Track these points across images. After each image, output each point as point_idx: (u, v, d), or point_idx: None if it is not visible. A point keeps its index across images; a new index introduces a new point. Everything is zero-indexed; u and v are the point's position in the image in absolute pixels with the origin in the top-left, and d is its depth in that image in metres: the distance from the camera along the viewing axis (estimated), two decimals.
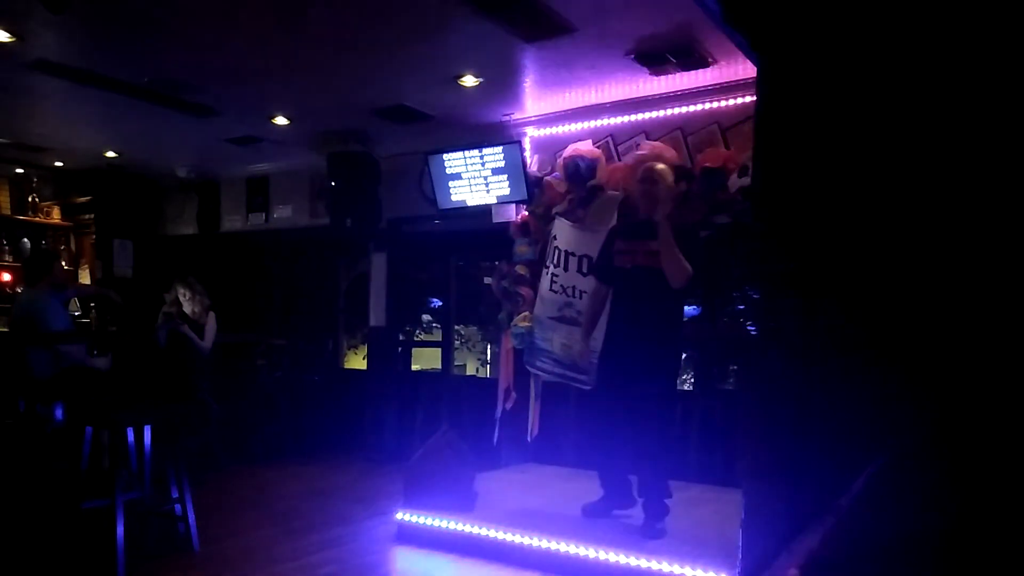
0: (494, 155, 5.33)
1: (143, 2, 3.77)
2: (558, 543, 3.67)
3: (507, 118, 5.52)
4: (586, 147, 5.08)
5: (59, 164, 7.44)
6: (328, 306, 7.39)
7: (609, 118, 5.18)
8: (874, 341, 2.01)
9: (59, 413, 4.93)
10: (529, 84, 4.90)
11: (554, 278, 5.04)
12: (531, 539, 3.76)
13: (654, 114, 5.01)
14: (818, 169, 2.15)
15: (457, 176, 5.52)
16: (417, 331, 7.15)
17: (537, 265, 5.27)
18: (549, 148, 5.43)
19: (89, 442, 4.21)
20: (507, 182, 5.32)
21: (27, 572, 3.67)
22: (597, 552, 3.54)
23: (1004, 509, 1.67)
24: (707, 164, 4.59)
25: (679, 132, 4.91)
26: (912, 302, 1.96)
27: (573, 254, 4.98)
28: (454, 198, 5.59)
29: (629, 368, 3.70)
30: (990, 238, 1.87)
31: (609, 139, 5.20)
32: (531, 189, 5.26)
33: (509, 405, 5.43)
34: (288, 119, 5.71)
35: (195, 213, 7.92)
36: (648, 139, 4.97)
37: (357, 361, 7.35)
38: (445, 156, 5.52)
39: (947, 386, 1.88)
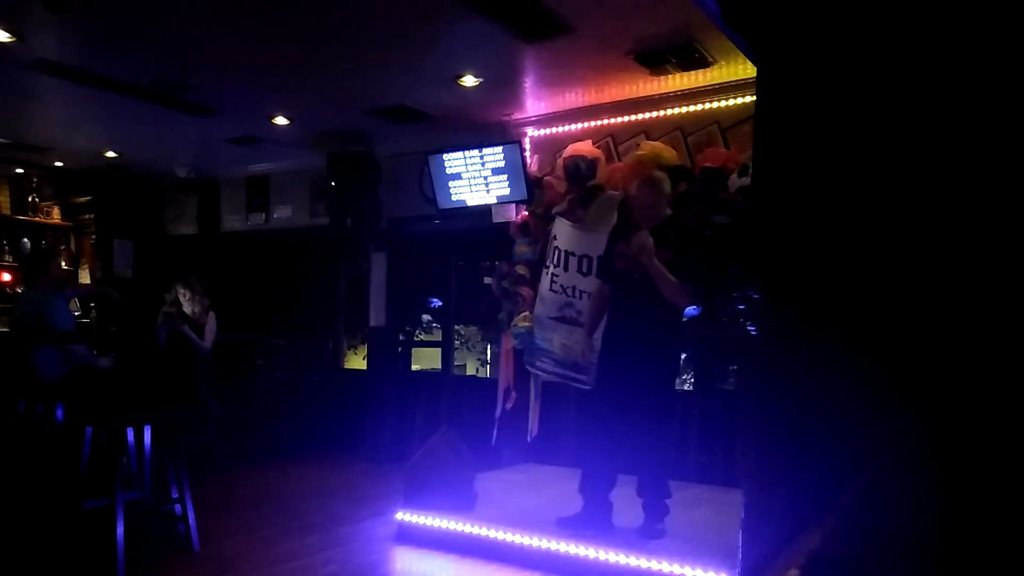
0: (494, 155, 5.33)
1: (143, 2, 3.77)
2: (558, 543, 3.67)
3: (507, 118, 5.52)
4: (586, 147, 5.08)
5: (59, 164, 7.44)
6: (328, 306, 7.39)
7: (609, 118, 5.18)
8: (873, 341, 2.01)
9: (59, 413, 4.93)
10: (529, 84, 4.90)
11: (554, 278, 5.04)
12: (531, 539, 3.76)
13: (654, 114, 5.01)
14: (818, 169, 2.15)
15: (457, 176, 5.52)
16: (417, 331, 7.15)
17: (537, 265, 5.27)
18: (549, 148, 5.43)
19: (89, 442, 4.21)
20: (507, 182, 5.32)
21: (27, 572, 3.67)
22: (597, 552, 3.54)
23: (1001, 509, 1.67)
24: (707, 164, 4.59)
25: (679, 132, 4.91)
26: (911, 303, 1.96)
27: (573, 254, 4.98)
28: (454, 198, 5.59)
29: (628, 370, 3.67)
30: (990, 238, 1.87)
31: (609, 139, 5.20)
32: (531, 189, 5.26)
33: (509, 405, 5.43)
34: (288, 119, 5.71)
35: (195, 213, 7.92)
36: (648, 139, 4.97)
37: (357, 361, 7.35)
38: (445, 156, 5.52)
39: (946, 386, 1.88)
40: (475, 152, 5.39)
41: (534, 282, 5.25)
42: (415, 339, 7.09)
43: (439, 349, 6.64)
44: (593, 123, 5.25)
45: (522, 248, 5.38)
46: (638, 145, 4.96)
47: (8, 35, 4.16)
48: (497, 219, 5.55)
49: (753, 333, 2.30)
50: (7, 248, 7.60)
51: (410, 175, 6.30)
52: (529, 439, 5.37)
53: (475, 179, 5.45)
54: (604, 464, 3.73)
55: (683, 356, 5.68)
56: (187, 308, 5.74)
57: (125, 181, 7.75)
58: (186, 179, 7.52)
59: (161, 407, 4.03)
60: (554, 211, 5.16)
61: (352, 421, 6.81)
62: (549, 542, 3.70)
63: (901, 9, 2.04)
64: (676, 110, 4.93)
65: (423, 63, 4.52)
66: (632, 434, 3.65)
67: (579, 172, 4.99)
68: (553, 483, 4.81)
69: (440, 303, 6.83)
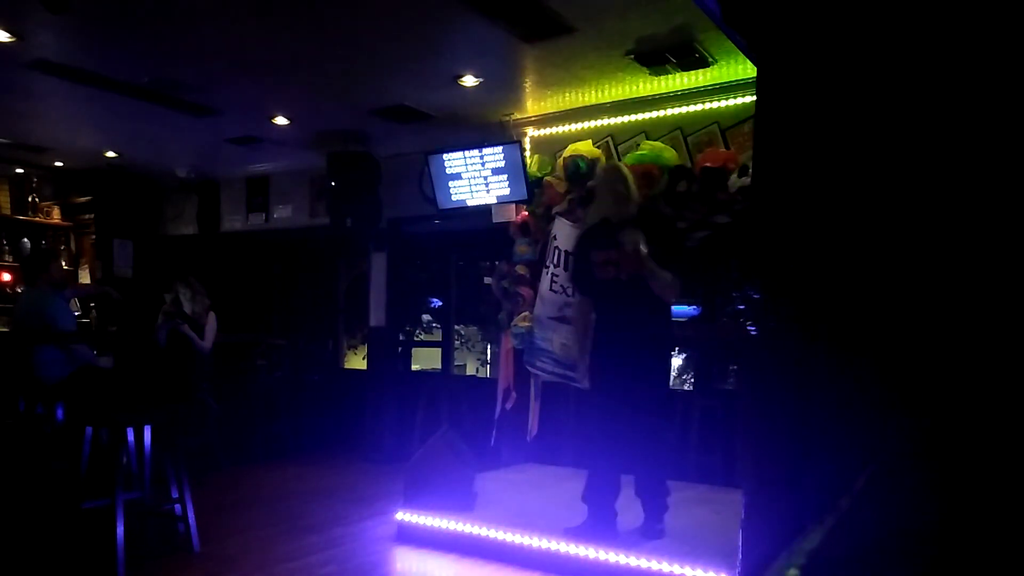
0: (494, 155, 5.33)
1: (143, 2, 3.77)
2: (558, 543, 3.67)
3: (507, 118, 5.52)
4: (586, 147, 5.09)
5: (59, 164, 7.44)
6: (328, 306, 7.39)
7: (609, 118, 5.18)
8: (874, 341, 2.01)
9: (59, 413, 4.93)
10: (529, 84, 4.90)
11: (554, 278, 5.04)
12: (531, 539, 3.76)
13: (654, 114, 5.01)
14: (818, 169, 2.15)
15: (457, 176, 5.52)
16: (417, 331, 7.15)
17: (537, 265, 5.27)
18: (549, 148, 5.43)
19: (89, 442, 4.21)
20: (507, 182, 5.32)
21: (27, 572, 3.67)
22: (597, 552, 3.54)
23: (1001, 509, 1.67)
24: (707, 164, 4.60)
25: (679, 132, 4.92)
26: (912, 302, 1.96)
27: (573, 254, 4.99)
28: (454, 198, 5.59)
29: (621, 374, 3.62)
30: (991, 237, 1.87)
31: (609, 139, 5.20)
32: (531, 189, 5.26)
33: (509, 405, 5.43)
34: (288, 119, 5.71)
35: (195, 213, 7.92)
36: (648, 139, 4.98)
37: (357, 361, 7.35)
38: (445, 156, 5.52)
39: (946, 385, 1.88)
40: (475, 152, 5.39)
41: (534, 282, 5.25)
42: (415, 339, 7.10)
43: (439, 349, 6.64)
44: (593, 123, 5.25)
45: (522, 248, 5.39)
46: (638, 145, 4.96)
47: (8, 35, 4.16)
48: (497, 219, 5.55)
49: (753, 333, 2.30)
50: (7, 248, 7.60)
51: (410, 175, 6.31)
52: (529, 439, 5.37)
53: (475, 179, 5.45)
54: (607, 470, 3.68)
55: (684, 356, 5.70)
56: (187, 308, 5.74)
57: (125, 181, 7.75)
58: (186, 179, 7.51)
59: (161, 407, 4.03)
60: (554, 211, 5.17)
61: (352, 421, 6.81)
62: (549, 542, 3.70)
63: (901, 9, 2.04)
64: (676, 110, 4.93)
65: (423, 63, 4.52)
66: (629, 434, 3.62)
67: (579, 172, 5.00)
68: (553, 483, 4.81)
69: (440, 303, 6.84)
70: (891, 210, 2.01)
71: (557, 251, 5.05)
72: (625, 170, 3.71)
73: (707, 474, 4.79)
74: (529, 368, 5.25)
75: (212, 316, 5.87)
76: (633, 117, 5.08)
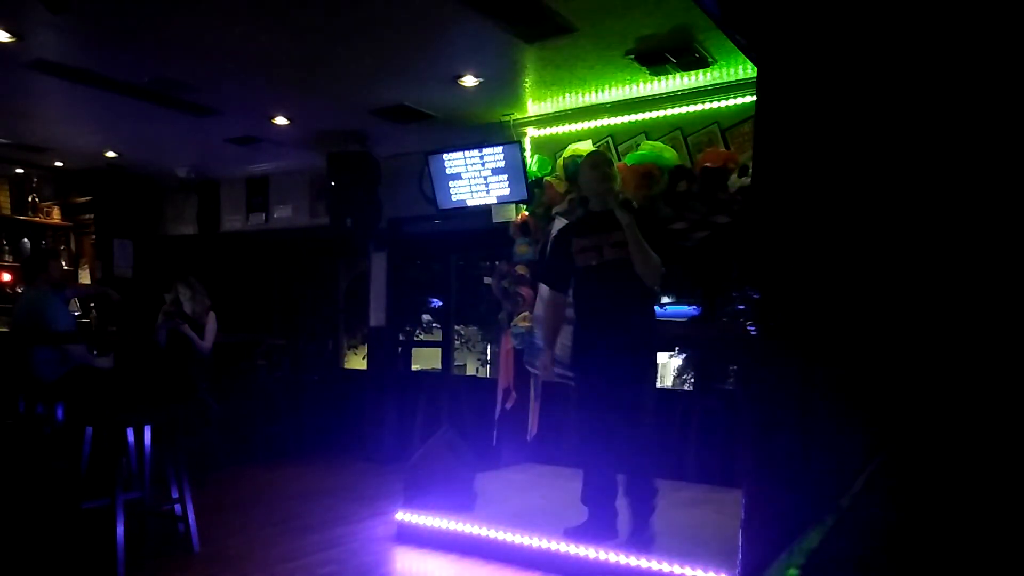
0: (494, 155, 5.33)
1: (143, 2, 3.77)
2: (558, 543, 3.67)
3: (507, 118, 5.52)
4: (586, 147, 5.09)
5: (59, 164, 7.44)
6: (328, 306, 7.39)
7: (609, 118, 5.18)
8: (874, 341, 2.01)
9: (59, 413, 4.93)
10: (529, 84, 4.90)
11: None
12: (531, 539, 3.76)
13: (654, 114, 5.01)
14: (818, 169, 2.15)
15: (457, 176, 5.52)
16: (417, 331, 7.15)
17: (537, 265, 5.28)
18: (549, 148, 5.43)
19: (89, 442, 4.21)
20: (507, 182, 5.32)
21: (27, 572, 3.67)
22: (597, 552, 3.54)
23: (1002, 509, 1.67)
24: (707, 164, 4.60)
25: (679, 132, 4.92)
26: (912, 302, 1.96)
27: (549, 247, 4.97)
28: (454, 198, 5.59)
29: (601, 365, 3.51)
30: (991, 235, 1.87)
31: (609, 139, 5.20)
32: (531, 189, 5.26)
33: (509, 405, 5.43)
34: (288, 119, 5.71)
35: (195, 213, 7.92)
36: (648, 139, 4.98)
37: (357, 361, 7.35)
38: (445, 156, 5.53)
39: (946, 385, 1.88)
40: (475, 152, 5.39)
41: (534, 282, 5.26)
42: (415, 339, 7.09)
43: (439, 349, 6.64)
44: (593, 123, 5.25)
45: (522, 248, 5.39)
46: (638, 145, 4.96)
47: (8, 35, 4.16)
48: (497, 219, 5.55)
49: (753, 333, 2.30)
50: (7, 248, 7.61)
51: (410, 175, 6.31)
52: (529, 439, 5.37)
53: (475, 179, 5.45)
54: (600, 469, 3.62)
55: (683, 356, 5.70)
56: (187, 308, 5.74)
57: (125, 181, 7.75)
58: (186, 179, 7.51)
59: (161, 407, 4.03)
60: (554, 211, 5.17)
61: (352, 421, 6.81)
62: (549, 542, 3.70)
63: (901, 9, 2.04)
64: (676, 110, 4.93)
65: (423, 63, 4.52)
66: (612, 433, 3.52)
67: (579, 171, 4.99)
68: (553, 483, 4.81)
69: (440, 303, 6.83)
70: (890, 209, 2.01)
71: (556, 232, 5.04)
72: (607, 154, 3.70)
73: (707, 474, 4.78)
74: (529, 368, 5.25)
75: (212, 316, 5.87)
76: (633, 117, 5.08)
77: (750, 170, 3.47)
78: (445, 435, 4.36)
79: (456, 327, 6.75)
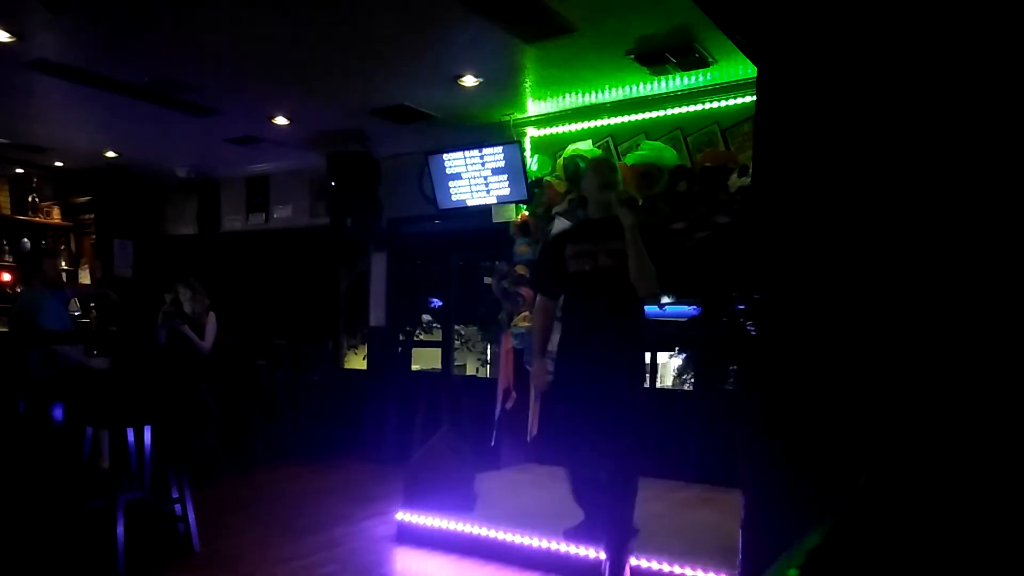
0: (494, 155, 5.33)
1: (143, 2, 3.77)
2: (558, 543, 3.67)
3: (507, 118, 5.52)
4: (586, 147, 5.09)
5: (59, 164, 7.44)
6: (328, 306, 7.38)
7: (609, 118, 5.18)
8: (874, 341, 2.01)
9: (59, 413, 4.94)
10: (529, 84, 4.90)
11: None
12: (531, 539, 3.76)
13: (654, 114, 5.01)
14: (819, 169, 2.15)
15: (457, 176, 5.52)
16: (417, 331, 7.14)
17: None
18: (549, 148, 5.43)
19: (89, 442, 4.21)
20: (507, 182, 5.32)
21: (28, 571, 3.67)
22: (598, 552, 3.53)
23: (1002, 509, 1.67)
24: (707, 164, 4.60)
25: (679, 132, 4.92)
26: (912, 301, 1.96)
27: (541, 253, 4.97)
28: (454, 198, 5.59)
29: (588, 374, 3.31)
30: (991, 235, 1.87)
31: (609, 139, 5.20)
32: (531, 189, 5.26)
33: (509, 405, 5.43)
34: (288, 119, 5.71)
35: (195, 213, 7.92)
36: (648, 139, 4.98)
37: (357, 361, 7.35)
38: (445, 156, 5.52)
39: (947, 385, 1.88)
40: (475, 152, 5.39)
41: None
42: (415, 339, 7.09)
43: (439, 349, 6.64)
44: (593, 123, 5.25)
45: (522, 248, 5.39)
46: (638, 145, 4.96)
47: (8, 35, 4.16)
48: (497, 219, 5.55)
49: (753, 333, 2.30)
50: (7, 248, 7.61)
51: (410, 175, 6.30)
52: (529, 439, 5.37)
53: (475, 179, 5.45)
54: (583, 470, 3.44)
55: (683, 356, 5.70)
56: (187, 308, 5.74)
57: (125, 181, 7.75)
58: (186, 179, 7.52)
59: (161, 407, 4.03)
60: (554, 211, 5.17)
61: (352, 421, 6.81)
62: (549, 542, 3.70)
63: (902, 9, 2.04)
64: (676, 110, 4.93)
65: (423, 63, 4.52)
66: (597, 436, 3.32)
67: (579, 172, 5.00)
68: (553, 483, 4.80)
69: (440, 303, 6.83)
70: (891, 209, 2.01)
71: (551, 237, 5.04)
72: (612, 161, 3.59)
73: (707, 474, 4.78)
74: (529, 368, 5.24)
75: (212, 316, 5.87)
76: (633, 117, 5.08)
77: (750, 170, 3.48)
78: (445, 435, 4.36)
79: (456, 327, 6.75)
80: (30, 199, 7.82)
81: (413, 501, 4.20)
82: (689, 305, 5.10)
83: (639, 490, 3.39)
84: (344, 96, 5.18)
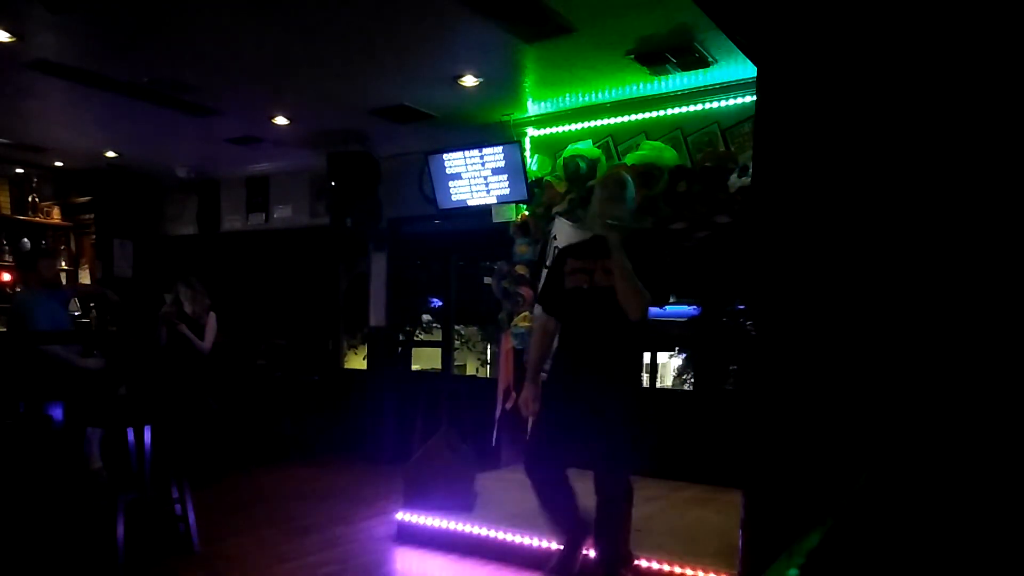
0: (494, 155, 5.33)
1: (143, 2, 3.77)
2: (558, 543, 3.67)
3: (507, 118, 5.52)
4: (586, 147, 5.09)
5: (59, 164, 7.45)
6: (328, 306, 7.39)
7: (609, 118, 5.18)
8: (874, 341, 2.01)
9: (59, 413, 4.94)
10: (529, 84, 4.90)
11: None
12: (531, 539, 3.76)
13: (654, 114, 5.01)
14: (819, 169, 2.15)
15: (457, 176, 5.52)
16: (417, 331, 7.15)
17: (537, 265, 5.27)
18: (549, 148, 5.43)
19: (87, 443, 4.21)
20: (507, 182, 5.32)
21: (28, 571, 3.67)
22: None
23: (1002, 509, 1.67)
24: (707, 164, 4.60)
25: (679, 132, 4.92)
26: (913, 301, 1.96)
27: (548, 268, 4.97)
28: (454, 198, 5.59)
29: (578, 404, 3.16)
30: (992, 235, 1.87)
31: (609, 139, 5.20)
32: (531, 189, 5.27)
33: (509, 405, 5.43)
34: (288, 119, 5.71)
35: (195, 213, 7.92)
36: (648, 139, 4.98)
37: (357, 361, 7.35)
38: (445, 156, 5.53)
39: (947, 385, 1.88)
40: (475, 152, 5.39)
41: (534, 282, 5.25)
42: (415, 339, 7.09)
43: (439, 349, 6.64)
44: (593, 123, 5.25)
45: (522, 248, 5.39)
46: (638, 145, 4.96)
47: (8, 35, 4.16)
48: (497, 219, 5.55)
49: (753, 333, 2.30)
50: (7, 248, 7.60)
51: (410, 175, 6.30)
52: (528, 439, 5.37)
53: (475, 179, 5.45)
54: (546, 471, 3.27)
55: (683, 356, 5.70)
56: (188, 308, 5.74)
57: (125, 181, 7.75)
58: (186, 179, 7.52)
59: (161, 407, 4.03)
60: (554, 211, 5.17)
61: (352, 421, 6.81)
62: (549, 542, 3.69)
63: (902, 9, 2.04)
64: (676, 110, 4.93)
65: (423, 63, 4.52)
66: (578, 455, 3.19)
67: (579, 172, 5.00)
68: None
69: (440, 303, 6.83)
70: (892, 209, 2.01)
71: (557, 251, 5.05)
72: (623, 176, 3.36)
73: (707, 474, 4.78)
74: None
75: (212, 316, 5.87)
76: (633, 117, 5.09)
77: (750, 170, 3.48)
78: (445, 435, 4.36)
79: (456, 327, 6.75)
80: (30, 199, 7.82)
81: (413, 501, 4.20)
82: (689, 305, 5.11)
83: (637, 493, 3.37)
84: (344, 96, 5.18)
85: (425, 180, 5.86)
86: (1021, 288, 1.80)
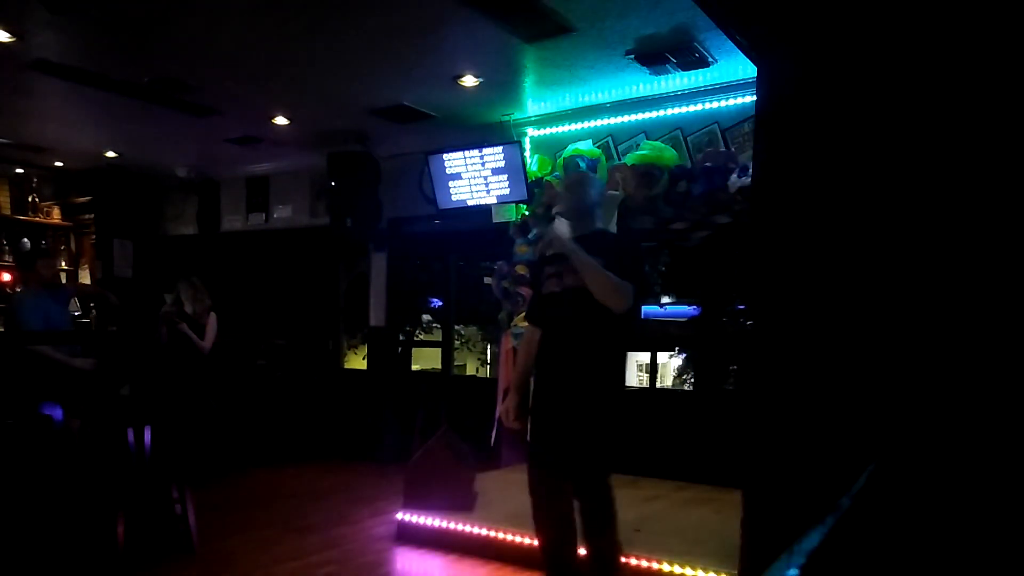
0: (494, 155, 5.33)
1: (143, 2, 3.77)
2: None
3: (507, 118, 5.52)
4: (586, 147, 5.09)
5: (59, 164, 7.45)
6: (328, 306, 7.39)
7: (609, 118, 5.18)
8: (874, 341, 2.01)
9: (58, 413, 4.93)
10: (529, 84, 4.90)
11: None
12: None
13: (654, 114, 5.01)
14: (819, 169, 2.15)
15: (457, 176, 5.52)
16: (417, 331, 7.15)
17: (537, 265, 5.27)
18: (549, 148, 5.43)
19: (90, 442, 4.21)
20: (507, 182, 5.32)
21: (28, 571, 3.67)
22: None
23: (1003, 509, 1.67)
24: (707, 164, 4.60)
25: (679, 132, 4.92)
26: (913, 301, 1.96)
27: (530, 278, 4.96)
28: (454, 198, 5.59)
29: (555, 409, 3.04)
30: (992, 235, 1.87)
31: (609, 139, 5.20)
32: (531, 189, 5.26)
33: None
34: (288, 119, 5.71)
35: (195, 213, 7.92)
36: (648, 139, 4.98)
37: (357, 361, 7.35)
38: (445, 156, 5.52)
39: (948, 385, 1.88)
40: (475, 152, 5.39)
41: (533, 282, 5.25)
42: (415, 339, 7.10)
43: (439, 349, 6.64)
44: (593, 123, 5.25)
45: (522, 248, 5.39)
46: (638, 145, 4.96)
47: (8, 35, 4.16)
48: (497, 219, 5.55)
49: (752, 333, 2.30)
50: (7, 248, 7.60)
51: (410, 175, 6.30)
52: (529, 439, 5.36)
53: (475, 179, 5.45)
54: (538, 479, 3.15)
55: (683, 356, 5.70)
56: (188, 308, 5.74)
57: (125, 181, 7.75)
58: (186, 179, 7.52)
59: (161, 407, 4.03)
60: (554, 211, 5.16)
61: (352, 421, 6.81)
62: None
63: (902, 9, 2.04)
64: (676, 110, 4.94)
65: (423, 63, 4.52)
66: (558, 456, 3.08)
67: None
68: None
69: (440, 303, 6.83)
70: (892, 209, 2.01)
71: (540, 258, 5.03)
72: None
73: (707, 474, 4.78)
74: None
75: (213, 316, 5.87)
76: (633, 117, 5.09)
77: (750, 170, 3.48)
78: (445, 435, 4.36)
79: (456, 327, 6.75)
80: (30, 199, 7.82)
81: (413, 501, 4.20)
82: (689, 305, 5.11)
83: (637, 493, 3.32)
84: (344, 96, 5.18)
85: (425, 180, 5.86)
86: (1021, 287, 1.80)
